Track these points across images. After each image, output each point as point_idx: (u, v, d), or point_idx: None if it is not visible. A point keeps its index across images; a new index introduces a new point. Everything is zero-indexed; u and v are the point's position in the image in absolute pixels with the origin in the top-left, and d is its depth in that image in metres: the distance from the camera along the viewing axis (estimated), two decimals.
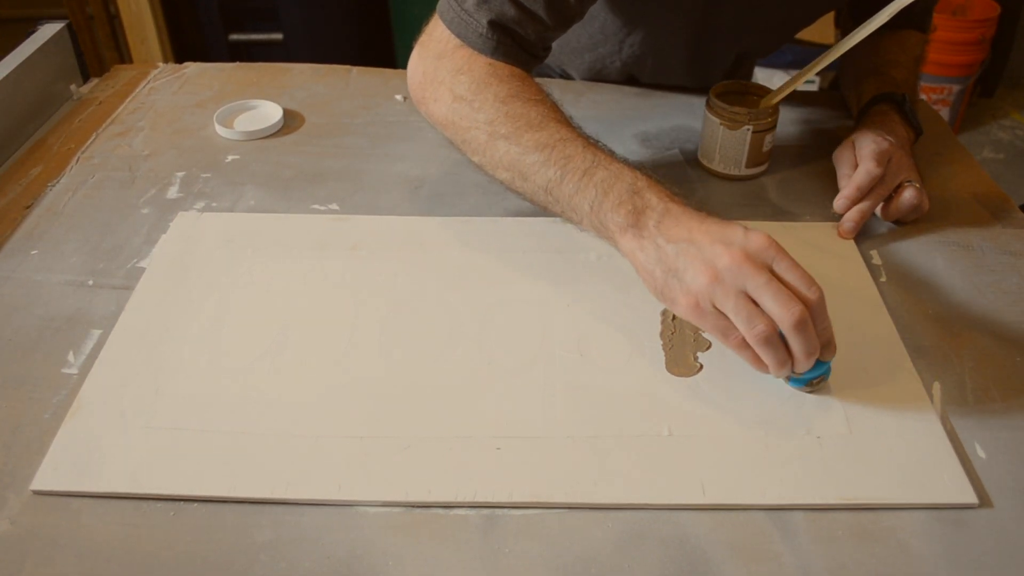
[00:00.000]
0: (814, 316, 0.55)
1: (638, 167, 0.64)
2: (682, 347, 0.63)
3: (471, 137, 0.69)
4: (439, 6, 0.73)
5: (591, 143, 0.66)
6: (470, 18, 0.70)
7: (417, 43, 0.74)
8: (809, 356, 0.55)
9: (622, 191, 0.61)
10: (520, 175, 0.67)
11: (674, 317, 0.66)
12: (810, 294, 0.55)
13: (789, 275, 0.55)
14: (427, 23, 0.74)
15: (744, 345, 0.56)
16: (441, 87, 0.71)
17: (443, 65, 0.71)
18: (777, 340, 0.55)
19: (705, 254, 0.56)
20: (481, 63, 0.70)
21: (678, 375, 0.61)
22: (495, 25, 0.69)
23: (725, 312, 0.55)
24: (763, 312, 0.54)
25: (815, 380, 0.59)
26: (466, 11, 0.70)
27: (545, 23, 0.71)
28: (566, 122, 0.68)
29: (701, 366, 0.62)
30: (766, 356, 0.55)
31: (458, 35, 0.71)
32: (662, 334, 0.65)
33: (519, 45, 0.71)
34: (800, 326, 0.54)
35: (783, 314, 0.54)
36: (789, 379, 0.59)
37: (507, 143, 0.67)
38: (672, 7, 0.85)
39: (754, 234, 0.56)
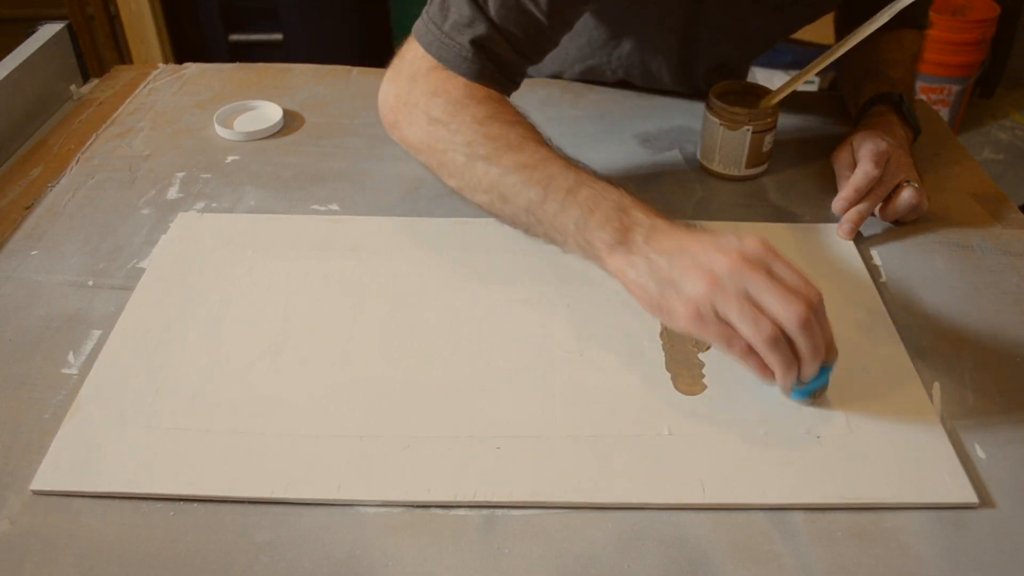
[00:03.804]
0: (816, 315, 0.54)
1: (621, 186, 0.62)
2: (682, 347, 0.63)
3: (448, 160, 0.67)
4: (416, 28, 0.71)
5: (572, 163, 0.64)
6: (451, 40, 0.68)
7: (389, 67, 0.73)
8: (815, 356, 0.54)
9: (608, 209, 0.60)
10: (500, 196, 0.65)
11: None
12: (811, 293, 0.54)
13: (788, 276, 0.54)
14: (399, 47, 0.72)
15: (749, 351, 0.54)
16: (415, 110, 0.69)
17: (417, 87, 0.69)
18: (784, 342, 0.53)
19: (701, 261, 0.54)
20: (458, 84, 0.68)
21: (678, 375, 0.61)
22: (477, 47, 0.68)
23: (728, 318, 0.53)
24: (767, 314, 0.53)
25: (818, 390, 0.58)
26: (446, 33, 0.68)
27: (523, 48, 0.70)
28: (545, 143, 0.66)
29: (703, 364, 0.62)
30: (773, 359, 0.53)
31: (438, 57, 0.68)
32: (662, 334, 0.65)
33: (500, 69, 0.70)
34: (806, 324, 0.52)
35: (788, 313, 0.52)
36: (792, 391, 0.57)
37: (486, 164, 0.65)
38: (657, 19, 0.85)
39: (748, 238, 0.55)
